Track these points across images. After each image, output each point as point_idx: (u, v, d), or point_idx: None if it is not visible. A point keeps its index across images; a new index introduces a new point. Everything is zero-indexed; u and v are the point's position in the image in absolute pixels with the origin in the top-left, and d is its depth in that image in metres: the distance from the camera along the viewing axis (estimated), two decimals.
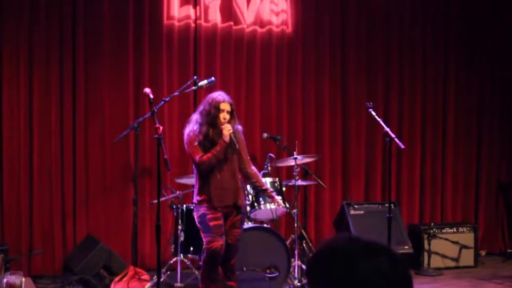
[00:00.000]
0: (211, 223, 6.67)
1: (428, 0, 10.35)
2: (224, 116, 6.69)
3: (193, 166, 6.92)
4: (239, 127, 6.93)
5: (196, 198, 6.78)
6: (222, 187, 6.72)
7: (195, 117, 6.82)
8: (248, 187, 7.86)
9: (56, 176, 8.54)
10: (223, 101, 6.70)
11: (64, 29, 8.55)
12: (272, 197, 7.09)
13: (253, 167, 7.01)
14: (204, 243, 6.73)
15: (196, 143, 6.67)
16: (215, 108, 6.68)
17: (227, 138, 6.63)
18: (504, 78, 10.74)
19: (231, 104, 6.77)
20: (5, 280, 3.87)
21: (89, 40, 8.65)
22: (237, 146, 6.69)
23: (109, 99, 8.76)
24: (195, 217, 6.83)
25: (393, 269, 2.02)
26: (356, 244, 2.08)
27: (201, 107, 6.82)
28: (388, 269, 2.01)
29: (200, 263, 6.91)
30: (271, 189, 7.28)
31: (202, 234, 6.77)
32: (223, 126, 6.66)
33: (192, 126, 6.76)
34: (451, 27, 10.45)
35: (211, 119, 6.69)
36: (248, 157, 7.02)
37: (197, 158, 6.65)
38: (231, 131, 6.65)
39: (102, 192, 8.76)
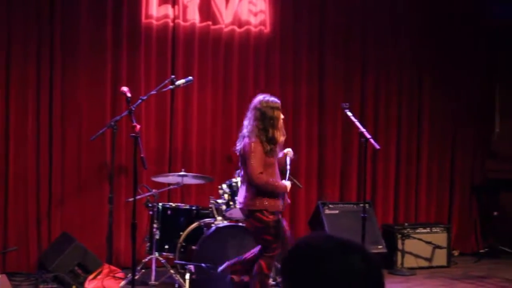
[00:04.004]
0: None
1: (405, 4, 10.42)
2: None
3: (241, 172, 6.85)
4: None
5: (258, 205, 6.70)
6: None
7: (253, 124, 6.74)
8: (224, 185, 7.89)
9: (31, 174, 8.53)
10: (278, 102, 6.77)
11: (41, 27, 8.53)
12: None
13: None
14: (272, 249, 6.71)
15: (260, 155, 6.60)
16: (275, 109, 6.70)
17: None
18: (479, 81, 10.85)
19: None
20: None
21: (66, 38, 8.64)
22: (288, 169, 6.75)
23: (87, 97, 8.76)
24: (263, 224, 6.71)
25: (366, 267, 2.07)
26: (330, 242, 2.12)
27: (256, 113, 6.74)
28: (362, 267, 2.06)
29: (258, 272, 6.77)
30: None
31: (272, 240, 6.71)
32: (286, 152, 6.80)
33: (255, 134, 6.68)
34: (427, 29, 10.53)
35: (273, 120, 6.68)
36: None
37: (256, 173, 6.54)
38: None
39: (78, 190, 8.76)
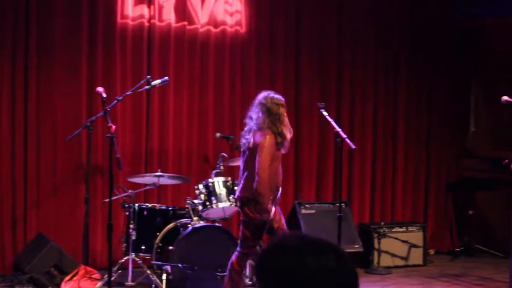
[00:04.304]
0: None
1: (381, 5, 10.47)
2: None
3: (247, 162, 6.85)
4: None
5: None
6: None
7: (262, 117, 6.76)
8: (201, 186, 7.89)
9: (7, 175, 8.47)
10: (283, 99, 6.83)
11: (16, 26, 8.47)
12: None
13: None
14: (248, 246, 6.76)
15: (272, 148, 6.62)
16: (280, 106, 6.76)
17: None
18: (454, 81, 10.92)
19: None
20: None
21: (42, 37, 8.58)
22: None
23: (62, 97, 8.71)
24: (247, 218, 6.74)
25: (340, 266, 2.08)
26: (304, 242, 2.14)
27: (262, 108, 6.77)
28: (335, 266, 2.07)
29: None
30: None
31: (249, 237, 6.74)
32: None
33: (266, 126, 6.71)
34: (403, 30, 10.58)
35: (278, 116, 6.72)
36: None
37: (265, 166, 6.55)
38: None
39: (53, 190, 8.72)
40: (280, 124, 6.70)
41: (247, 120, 6.84)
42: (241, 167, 6.86)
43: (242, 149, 6.86)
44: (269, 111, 6.68)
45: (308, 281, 2.05)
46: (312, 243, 2.12)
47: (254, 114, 6.77)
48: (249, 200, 6.62)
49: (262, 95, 6.82)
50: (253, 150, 6.64)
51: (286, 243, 2.16)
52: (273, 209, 6.66)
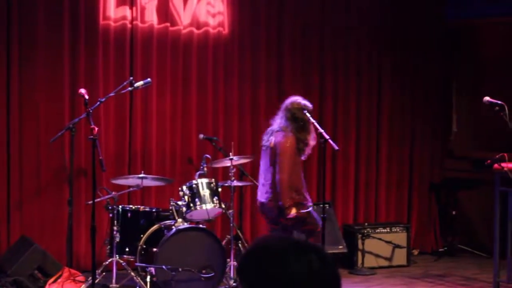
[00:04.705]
0: None
1: (363, 5, 10.49)
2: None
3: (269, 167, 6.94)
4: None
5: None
6: None
7: (285, 123, 6.82)
8: (184, 187, 7.88)
9: None
10: (310, 106, 7.01)
11: None
12: None
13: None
14: None
15: (292, 152, 6.80)
16: (305, 112, 6.87)
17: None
18: (437, 81, 10.96)
19: None
20: None
21: (23, 39, 8.54)
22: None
23: (44, 99, 8.67)
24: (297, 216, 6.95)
25: (322, 266, 2.09)
26: (287, 243, 2.14)
27: (287, 113, 6.83)
28: (318, 267, 2.08)
29: None
30: None
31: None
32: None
33: (288, 130, 6.77)
34: (385, 31, 10.62)
35: (303, 122, 6.84)
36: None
37: (286, 172, 6.74)
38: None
39: (36, 192, 8.67)
40: (304, 131, 6.80)
41: (272, 122, 6.95)
42: (262, 168, 6.94)
43: (262, 149, 6.95)
44: (294, 117, 6.76)
45: (291, 283, 2.06)
46: (294, 244, 2.13)
47: (279, 119, 6.88)
48: (289, 205, 6.81)
49: (289, 100, 6.94)
50: (273, 150, 6.73)
51: (268, 245, 2.17)
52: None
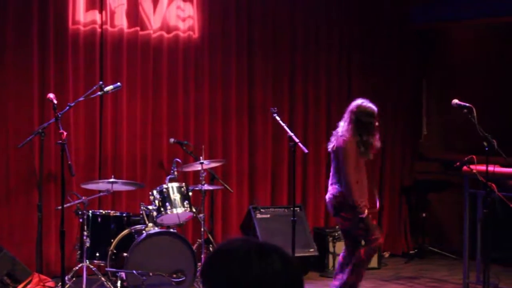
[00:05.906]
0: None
1: (333, 8, 10.54)
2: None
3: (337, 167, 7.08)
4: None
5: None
6: None
7: (348, 126, 6.91)
8: (155, 192, 7.88)
9: None
10: (375, 110, 7.11)
11: None
12: None
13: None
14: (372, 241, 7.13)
15: (354, 154, 6.94)
16: (370, 116, 7.00)
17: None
18: (406, 84, 11.03)
19: None
20: None
21: None
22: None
23: (13, 104, 8.61)
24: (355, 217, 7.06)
25: (284, 267, 2.11)
26: (249, 245, 2.15)
27: (351, 116, 6.90)
28: (280, 267, 2.10)
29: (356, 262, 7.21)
30: None
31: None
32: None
33: (351, 134, 6.90)
34: (355, 33, 10.66)
35: (367, 125, 6.96)
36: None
37: (350, 173, 6.90)
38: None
39: (6, 197, 8.62)
40: (366, 134, 6.88)
41: (338, 124, 7.09)
42: (332, 171, 7.07)
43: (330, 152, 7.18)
44: (357, 120, 6.85)
45: (254, 284, 2.07)
46: (256, 246, 2.14)
47: (343, 121, 6.98)
48: (342, 205, 6.85)
49: (354, 103, 7.07)
50: (336, 155, 6.86)
51: (231, 247, 2.17)
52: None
